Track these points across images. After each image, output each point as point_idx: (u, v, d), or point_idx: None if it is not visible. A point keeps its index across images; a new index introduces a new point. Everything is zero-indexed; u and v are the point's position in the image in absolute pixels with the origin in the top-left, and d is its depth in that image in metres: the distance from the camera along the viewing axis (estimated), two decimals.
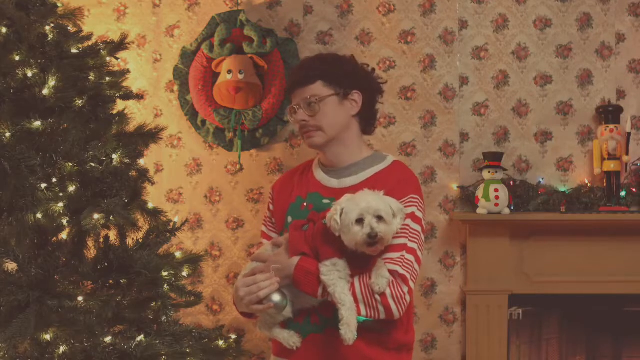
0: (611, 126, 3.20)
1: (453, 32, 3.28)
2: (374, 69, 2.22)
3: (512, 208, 3.17)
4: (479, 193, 3.13)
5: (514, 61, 3.31)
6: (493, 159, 3.16)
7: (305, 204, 2.12)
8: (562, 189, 3.25)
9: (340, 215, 1.87)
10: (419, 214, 2.02)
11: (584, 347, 3.31)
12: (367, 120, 2.19)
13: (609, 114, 3.23)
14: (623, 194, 3.19)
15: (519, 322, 3.27)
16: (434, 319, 3.26)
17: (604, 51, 3.30)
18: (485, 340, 3.20)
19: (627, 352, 3.31)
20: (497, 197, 3.09)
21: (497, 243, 3.21)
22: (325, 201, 2.10)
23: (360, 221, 1.85)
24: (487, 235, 3.20)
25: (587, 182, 3.26)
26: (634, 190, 3.21)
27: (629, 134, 3.21)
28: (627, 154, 3.20)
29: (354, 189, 2.03)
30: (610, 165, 3.17)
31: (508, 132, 3.31)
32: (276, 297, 1.94)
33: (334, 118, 2.10)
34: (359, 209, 1.86)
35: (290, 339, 2.04)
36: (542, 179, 3.27)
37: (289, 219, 2.14)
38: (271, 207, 2.23)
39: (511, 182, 3.21)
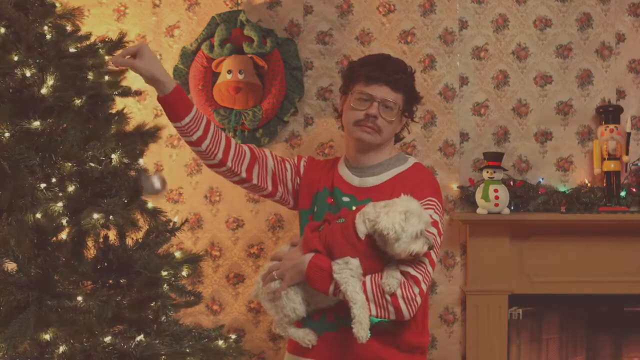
0: (611, 126, 3.20)
1: (453, 32, 3.28)
2: (422, 97, 2.35)
3: (512, 208, 3.17)
4: (479, 193, 3.13)
5: (514, 61, 3.30)
6: (493, 159, 3.16)
7: (332, 199, 2.18)
8: (562, 189, 3.25)
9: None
10: (435, 217, 2.05)
11: (584, 347, 3.31)
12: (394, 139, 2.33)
13: (609, 114, 3.23)
14: (623, 194, 3.18)
15: (519, 322, 3.27)
16: (434, 319, 3.26)
17: (604, 51, 3.29)
18: (485, 340, 3.20)
19: (627, 352, 3.31)
20: (497, 197, 3.09)
21: (497, 243, 3.21)
22: (345, 199, 2.14)
23: (421, 233, 1.92)
24: (487, 235, 3.20)
25: (587, 182, 3.26)
26: (634, 190, 3.20)
27: (629, 134, 3.21)
28: (627, 154, 3.19)
29: (374, 190, 2.11)
30: (610, 165, 3.17)
31: (508, 132, 3.31)
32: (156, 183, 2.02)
33: (393, 130, 2.23)
34: (423, 224, 1.92)
35: (305, 337, 2.06)
36: (542, 179, 3.27)
37: (315, 208, 2.20)
38: (301, 168, 2.32)
39: (511, 182, 3.21)
